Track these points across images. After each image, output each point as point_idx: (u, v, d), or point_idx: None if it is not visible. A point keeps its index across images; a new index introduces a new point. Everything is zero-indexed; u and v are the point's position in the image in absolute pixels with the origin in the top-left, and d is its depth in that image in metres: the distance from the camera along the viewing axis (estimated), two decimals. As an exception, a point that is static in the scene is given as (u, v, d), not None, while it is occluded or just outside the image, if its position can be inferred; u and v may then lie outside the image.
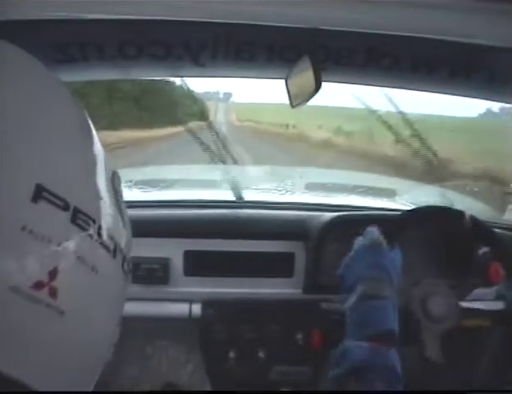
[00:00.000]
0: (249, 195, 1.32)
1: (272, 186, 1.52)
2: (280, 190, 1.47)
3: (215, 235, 1.12)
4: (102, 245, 0.32)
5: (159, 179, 1.41)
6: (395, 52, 0.90)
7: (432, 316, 0.80)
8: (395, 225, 0.94)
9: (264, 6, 0.67)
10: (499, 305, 0.87)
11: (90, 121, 0.36)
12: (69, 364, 0.31)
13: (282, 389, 1.13)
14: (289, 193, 1.47)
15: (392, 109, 1.18)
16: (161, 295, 1.09)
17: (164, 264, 1.09)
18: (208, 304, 1.09)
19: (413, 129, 1.22)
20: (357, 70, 0.94)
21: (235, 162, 1.26)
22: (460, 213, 0.95)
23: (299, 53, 0.82)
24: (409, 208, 1.09)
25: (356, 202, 1.37)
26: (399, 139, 1.30)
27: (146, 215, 1.15)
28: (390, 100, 1.14)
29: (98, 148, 0.36)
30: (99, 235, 0.32)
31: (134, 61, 0.90)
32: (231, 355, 1.09)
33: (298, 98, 0.88)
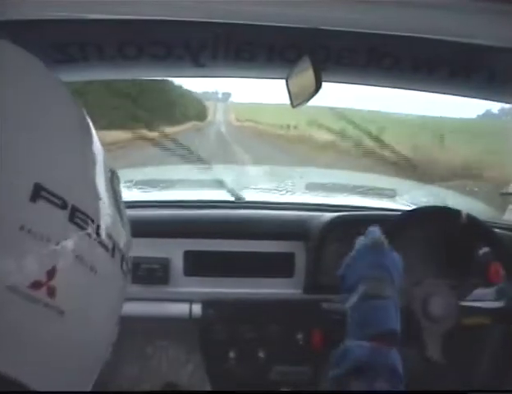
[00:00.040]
0: (249, 195, 1.32)
1: (272, 186, 1.52)
2: (280, 190, 1.47)
3: (215, 235, 1.12)
4: (101, 244, 0.32)
5: (159, 179, 1.41)
6: (396, 53, 0.90)
7: (432, 316, 0.80)
8: (395, 225, 0.94)
9: (264, 6, 0.67)
10: (499, 303, 0.87)
11: (90, 121, 0.36)
12: (67, 364, 0.30)
13: (282, 389, 1.13)
14: (289, 193, 1.47)
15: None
16: (161, 295, 1.09)
17: (164, 264, 1.09)
18: (208, 304, 1.09)
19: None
20: (357, 70, 0.94)
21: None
22: (457, 212, 0.95)
23: (299, 53, 0.82)
24: (409, 208, 1.09)
25: (356, 202, 1.37)
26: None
27: (146, 215, 1.15)
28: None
29: (97, 147, 0.36)
30: (98, 234, 0.32)
31: (134, 61, 0.90)
32: (231, 355, 1.09)
33: (298, 98, 0.88)
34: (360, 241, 0.73)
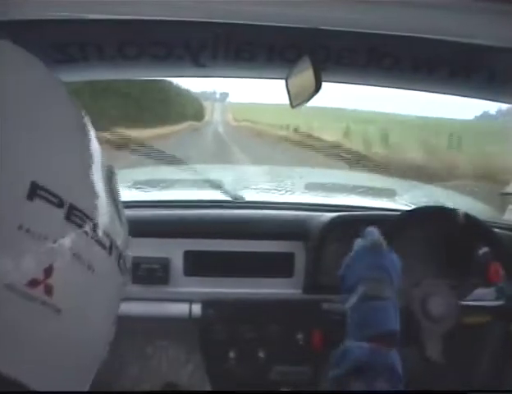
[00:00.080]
0: (249, 195, 1.32)
1: (272, 186, 1.52)
2: (280, 190, 1.47)
3: (215, 235, 1.12)
4: (98, 242, 0.32)
5: (159, 179, 1.41)
6: (396, 53, 0.90)
7: (432, 316, 0.80)
8: (395, 225, 0.94)
9: (264, 6, 0.67)
10: (498, 302, 0.87)
11: (88, 120, 0.37)
12: (65, 363, 0.30)
13: (282, 389, 1.13)
14: (289, 193, 1.47)
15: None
16: (161, 295, 1.09)
17: (164, 264, 1.09)
18: (208, 304, 1.09)
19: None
20: (357, 70, 0.94)
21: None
22: (456, 212, 0.95)
23: (299, 53, 0.82)
24: (408, 208, 1.09)
25: (356, 202, 1.37)
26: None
27: (146, 215, 1.15)
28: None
29: (94, 146, 0.36)
30: (95, 232, 0.32)
31: (135, 61, 0.90)
32: (231, 355, 1.09)
33: (298, 99, 0.88)
34: (359, 242, 0.73)
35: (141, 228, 1.05)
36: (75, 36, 0.83)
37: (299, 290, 1.11)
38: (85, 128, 0.36)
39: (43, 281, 0.28)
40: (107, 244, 0.33)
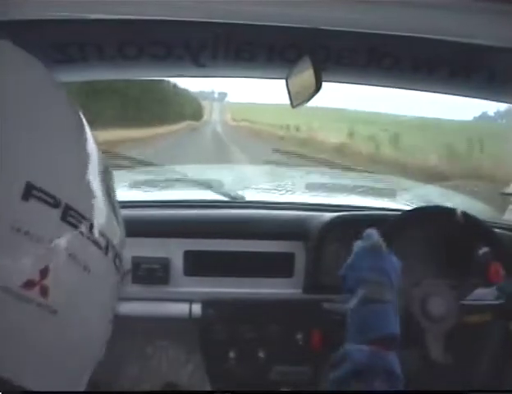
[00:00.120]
0: (249, 195, 1.32)
1: (272, 186, 1.52)
2: (280, 190, 1.47)
3: (215, 235, 1.12)
4: (94, 242, 0.32)
5: (159, 179, 1.41)
6: (396, 53, 0.90)
7: (432, 316, 0.80)
8: (395, 225, 0.94)
9: (264, 6, 0.67)
10: (499, 300, 0.87)
11: (84, 120, 0.37)
12: (61, 363, 0.31)
13: (282, 389, 1.13)
14: (289, 193, 1.47)
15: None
16: (161, 295, 1.09)
17: (164, 264, 1.09)
18: (208, 304, 1.09)
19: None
20: (357, 70, 0.94)
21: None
22: (456, 212, 0.95)
23: (299, 53, 0.82)
24: (408, 208, 1.09)
25: (356, 202, 1.37)
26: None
27: (146, 215, 1.15)
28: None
29: (91, 146, 0.36)
30: (91, 232, 0.32)
31: (135, 61, 0.90)
32: (231, 355, 1.09)
33: (298, 99, 0.88)
34: (358, 244, 0.73)
35: (141, 228, 1.05)
36: (74, 36, 0.83)
37: (299, 290, 1.11)
38: (82, 128, 0.36)
39: (38, 283, 0.28)
40: (103, 244, 0.33)
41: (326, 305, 0.97)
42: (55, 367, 0.30)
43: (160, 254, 1.09)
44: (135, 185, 1.35)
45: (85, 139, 0.35)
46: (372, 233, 0.73)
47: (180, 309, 1.08)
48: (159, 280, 1.08)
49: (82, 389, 0.33)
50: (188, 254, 1.11)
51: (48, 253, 0.29)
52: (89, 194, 0.33)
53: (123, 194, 1.27)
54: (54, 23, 0.73)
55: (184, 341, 1.16)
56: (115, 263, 0.35)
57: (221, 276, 1.11)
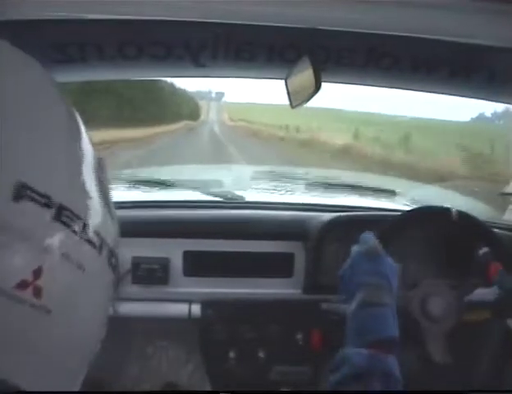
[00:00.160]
0: (248, 196, 1.32)
1: (272, 186, 1.52)
2: (280, 190, 1.47)
3: (215, 235, 1.12)
4: (88, 241, 0.32)
5: (159, 179, 1.41)
6: (395, 53, 0.90)
7: (432, 317, 0.80)
8: (395, 225, 0.94)
9: (264, 6, 0.67)
10: (498, 297, 0.87)
11: (80, 120, 0.36)
12: (56, 362, 0.31)
13: (282, 389, 1.13)
14: (289, 193, 1.47)
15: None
16: (160, 296, 1.09)
17: (164, 264, 1.09)
18: (208, 304, 1.09)
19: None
20: (357, 70, 0.94)
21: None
22: (456, 212, 0.94)
23: (299, 53, 0.82)
24: (408, 208, 1.09)
25: (356, 202, 1.37)
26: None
27: (146, 215, 1.15)
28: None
29: (86, 146, 0.36)
30: (84, 231, 0.32)
31: (134, 61, 0.90)
32: (231, 355, 1.09)
33: (298, 99, 0.88)
34: (355, 249, 0.72)
35: (141, 228, 1.05)
36: (74, 36, 0.83)
37: (299, 291, 1.11)
38: (77, 128, 0.36)
39: (32, 283, 0.28)
40: (98, 242, 0.33)
41: (324, 306, 0.97)
42: (50, 367, 0.30)
43: (160, 254, 1.09)
44: (135, 185, 1.35)
45: (80, 139, 0.35)
46: (368, 237, 0.72)
47: (180, 309, 1.08)
48: (159, 280, 1.08)
49: (77, 389, 0.33)
50: (187, 255, 1.11)
51: (40, 253, 0.29)
52: (84, 193, 0.33)
53: (123, 194, 1.27)
54: (53, 23, 0.73)
55: (183, 342, 1.17)
56: (110, 262, 0.35)
57: (221, 276, 1.11)
